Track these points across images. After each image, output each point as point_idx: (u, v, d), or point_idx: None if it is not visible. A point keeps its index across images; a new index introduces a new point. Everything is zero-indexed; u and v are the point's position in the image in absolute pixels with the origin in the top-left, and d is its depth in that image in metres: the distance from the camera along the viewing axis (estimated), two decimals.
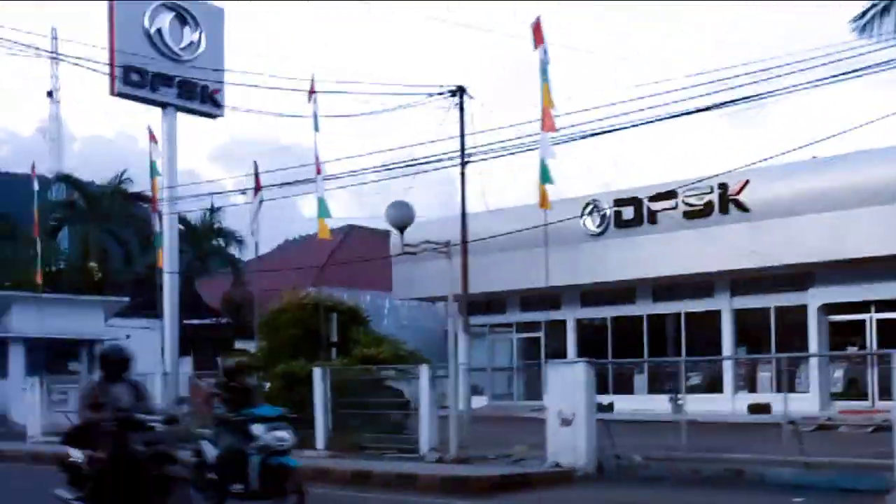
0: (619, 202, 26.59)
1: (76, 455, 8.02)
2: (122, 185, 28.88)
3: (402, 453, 14.58)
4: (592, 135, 14.89)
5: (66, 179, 27.62)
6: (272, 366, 16.37)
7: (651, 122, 15.91)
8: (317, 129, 16.51)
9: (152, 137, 19.82)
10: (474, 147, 16.01)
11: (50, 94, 70.42)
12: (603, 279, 27.65)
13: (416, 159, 16.35)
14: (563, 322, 30.34)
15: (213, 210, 29.90)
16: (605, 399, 26.28)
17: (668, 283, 27.28)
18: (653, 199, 25.78)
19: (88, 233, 27.61)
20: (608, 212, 26.82)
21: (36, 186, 22.24)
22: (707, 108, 13.70)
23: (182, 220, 31.59)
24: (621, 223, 26.77)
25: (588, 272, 27.70)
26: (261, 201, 18.23)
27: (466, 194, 16.40)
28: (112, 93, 22.16)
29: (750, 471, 12.05)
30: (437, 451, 14.11)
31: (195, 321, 32.09)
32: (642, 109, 15.00)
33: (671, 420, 14.72)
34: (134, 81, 22.17)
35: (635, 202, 26.32)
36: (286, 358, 16.35)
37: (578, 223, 27.02)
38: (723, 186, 24.39)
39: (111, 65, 22.04)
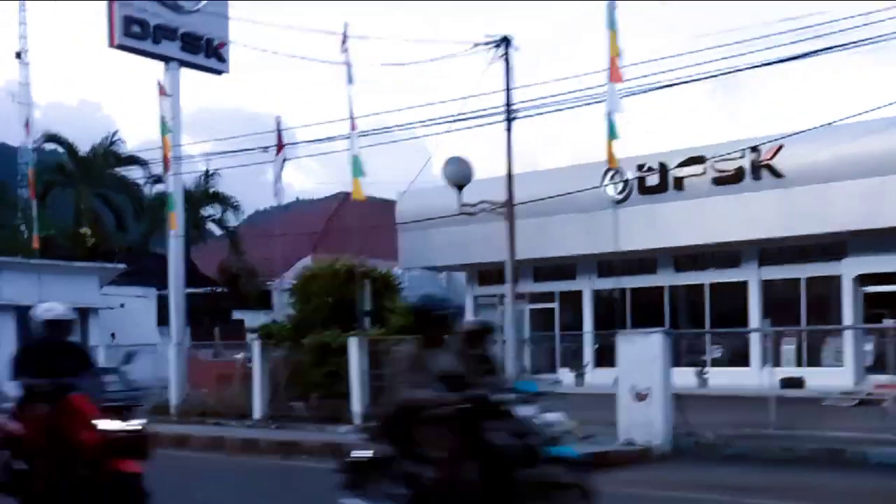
0: (643, 168, 25.44)
1: (367, 452, 5.79)
2: (113, 147, 27.23)
3: None
4: (659, 88, 13.66)
5: (55, 139, 25.91)
6: (302, 336, 15.08)
7: (714, 75, 14.79)
8: (350, 80, 15.15)
9: (162, 91, 18.28)
10: (520, 102, 14.68)
11: (18, 55, 67.73)
12: (623, 248, 26.57)
13: (458, 115, 14.96)
14: (579, 293, 29.26)
15: (209, 175, 28.37)
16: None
17: (692, 252, 26.25)
18: (680, 164, 24.72)
19: (80, 197, 25.99)
20: (631, 178, 25.67)
21: (31, 144, 20.68)
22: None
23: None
24: (645, 190, 25.63)
25: (607, 241, 26.61)
26: (284, 160, 16.82)
27: (507, 154, 15.01)
28: (111, 44, 20.56)
29: (851, 451, 11.02)
30: None
31: (191, 290, 30.66)
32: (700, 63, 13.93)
33: (754, 396, 13.63)
34: (135, 33, 20.58)
35: (661, 168, 25.18)
36: (317, 327, 15.07)
37: (598, 189, 25.90)
38: (755, 151, 23.34)
39: (110, 14, 20.48)
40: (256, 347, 15.64)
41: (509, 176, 14.97)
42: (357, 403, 14.25)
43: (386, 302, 15.54)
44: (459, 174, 13.38)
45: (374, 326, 15.04)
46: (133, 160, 27.71)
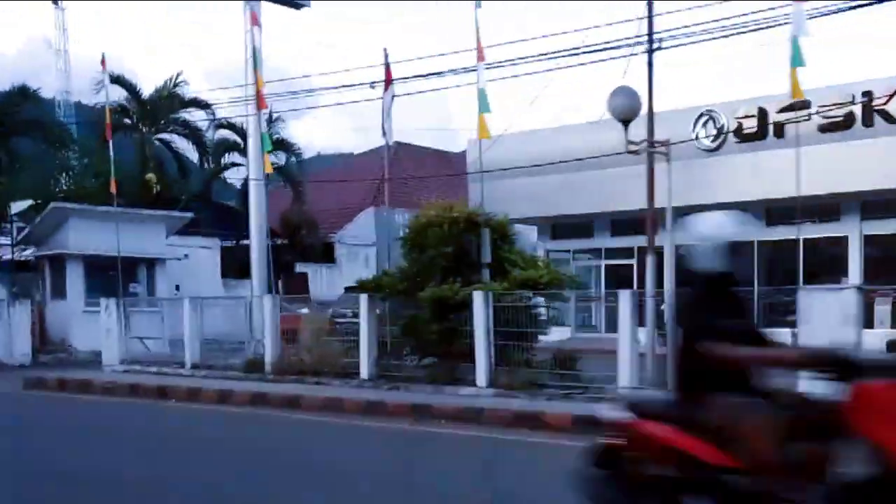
0: (740, 114, 23.87)
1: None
2: (177, 89, 25.93)
3: (593, 393, 12.19)
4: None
5: (118, 81, 24.65)
6: (415, 289, 13.85)
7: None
8: (479, 3, 13.71)
9: (254, 20, 16.90)
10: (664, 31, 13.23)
11: (56, 1, 66.57)
12: (712, 200, 25.04)
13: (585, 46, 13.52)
14: (659, 248, 27.84)
15: (272, 119, 27.02)
16: None
17: (786, 204, 24.72)
18: (782, 109, 23.11)
19: (143, 142, 24.78)
20: (726, 124, 24.12)
21: (107, 81, 19.42)
22: None
23: (234, 128, 28.79)
24: (742, 137, 24.08)
25: (696, 192, 25.10)
26: (392, 96, 15.48)
27: (649, 90, 13.59)
28: None
29: None
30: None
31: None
32: None
33: None
34: None
35: (760, 113, 23.59)
36: (430, 280, 13.83)
37: (688, 137, 24.38)
38: (867, 95, 21.72)
39: None
40: (364, 302, 14.46)
41: (651, 114, 13.55)
42: (482, 364, 13.07)
43: (503, 253, 14.25)
44: (626, 107, 12.02)
45: (495, 279, 13.78)
46: (196, 103, 26.44)
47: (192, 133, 26.85)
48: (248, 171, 18.98)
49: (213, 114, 26.38)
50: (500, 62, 14.94)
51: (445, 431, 10.49)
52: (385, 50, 15.34)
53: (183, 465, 8.73)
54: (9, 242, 23.78)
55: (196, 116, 26.62)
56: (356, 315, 19.42)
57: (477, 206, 14.54)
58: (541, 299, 13.75)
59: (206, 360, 17.38)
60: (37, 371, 19.07)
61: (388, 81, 15.46)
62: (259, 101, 16.71)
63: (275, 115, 27.28)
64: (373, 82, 15.56)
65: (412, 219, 14.30)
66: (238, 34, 19.73)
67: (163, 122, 26.37)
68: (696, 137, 24.57)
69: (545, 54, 14.49)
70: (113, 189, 19.04)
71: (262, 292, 19.37)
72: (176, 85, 25.87)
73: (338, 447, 9.91)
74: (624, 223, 28.11)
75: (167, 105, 25.74)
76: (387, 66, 15.44)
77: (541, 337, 14.56)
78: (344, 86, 20.65)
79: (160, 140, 26.81)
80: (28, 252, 24.76)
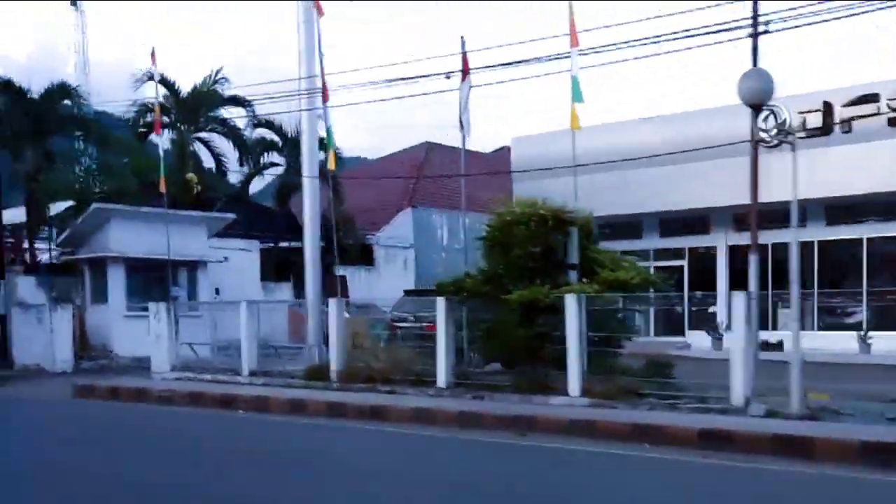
0: (803, 108, 22.93)
1: None
2: (216, 86, 25.11)
3: (700, 403, 11.33)
4: None
5: (161, 81, 23.85)
6: (499, 291, 12.99)
7: None
8: None
9: (319, 10, 16.04)
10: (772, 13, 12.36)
11: (74, 2, 66.07)
12: (769, 199, 24.17)
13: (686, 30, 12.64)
14: (712, 249, 26.99)
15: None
16: (769, 336, 23.41)
17: (848, 202, 23.84)
18: (849, 103, 22.23)
19: (183, 140, 23.98)
20: (789, 118, 23.19)
21: (157, 76, 18.63)
22: None
23: (272, 126, 28.01)
24: (805, 132, 23.11)
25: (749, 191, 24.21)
26: (469, 87, 14.64)
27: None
28: None
29: None
30: (762, 403, 10.82)
31: (290, 244, 28.76)
32: None
33: None
34: None
35: (825, 107, 22.66)
36: (516, 282, 12.97)
37: (747, 133, 23.46)
38: None
39: None
40: (442, 305, 13.60)
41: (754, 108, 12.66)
42: (574, 371, 12.20)
43: (591, 253, 13.39)
44: (758, 91, 11.16)
45: (583, 281, 12.91)
46: (235, 100, 25.64)
47: (231, 131, 26.06)
48: (304, 168, 18.18)
49: (254, 111, 25.61)
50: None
51: (566, 447, 9.60)
52: (462, 38, 14.49)
53: (282, 483, 7.82)
54: (47, 246, 23.08)
55: (232, 113, 25.84)
56: (418, 319, 18.74)
57: (563, 204, 13.62)
58: (632, 302, 12.90)
59: (261, 367, 16.59)
60: (79, 378, 18.32)
61: (466, 72, 14.61)
62: (324, 93, 15.87)
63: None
64: (448, 72, 14.67)
65: (493, 216, 13.41)
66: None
67: (202, 120, 25.58)
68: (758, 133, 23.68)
69: (634, 41, 13.47)
70: (162, 188, 18.25)
71: (315, 295, 18.61)
72: (216, 82, 25.08)
73: (467, 465, 8.83)
74: (676, 222, 27.29)
75: (206, 102, 24.95)
76: (464, 55, 14.59)
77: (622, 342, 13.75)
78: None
79: (199, 139, 26.02)
80: (57, 254, 24.02)
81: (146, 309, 20.80)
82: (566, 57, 13.67)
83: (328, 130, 16.43)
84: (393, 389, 13.91)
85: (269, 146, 27.84)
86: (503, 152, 45.26)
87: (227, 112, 25.93)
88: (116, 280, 21.56)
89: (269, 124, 27.13)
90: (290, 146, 27.66)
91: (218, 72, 25.06)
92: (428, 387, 13.74)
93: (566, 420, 10.66)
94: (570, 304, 12.24)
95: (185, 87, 24.93)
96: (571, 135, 15.16)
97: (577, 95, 13.41)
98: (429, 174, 36.34)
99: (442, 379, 13.65)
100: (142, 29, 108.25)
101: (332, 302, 15.34)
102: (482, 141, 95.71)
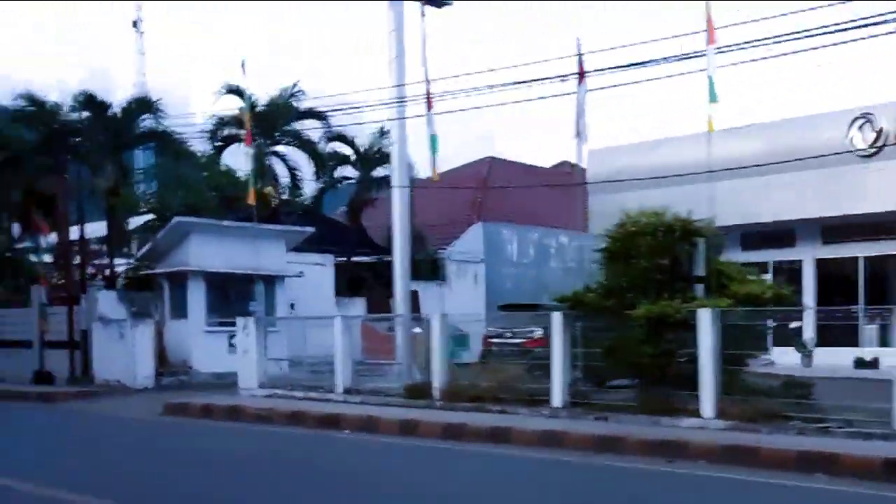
0: None
1: None
2: (293, 99, 24.80)
3: (852, 427, 10.50)
4: None
5: (235, 91, 23.63)
6: (622, 306, 12.29)
7: None
8: None
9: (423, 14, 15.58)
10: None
11: (135, 24, 66.93)
12: (863, 210, 23.22)
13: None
14: (798, 262, 26.01)
15: (384, 132, 25.78)
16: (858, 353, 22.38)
17: None
18: None
19: (260, 154, 23.68)
20: (886, 127, 22.25)
21: (247, 89, 18.30)
22: None
23: (345, 139, 27.65)
24: None
25: (846, 202, 23.29)
26: (586, 91, 14.05)
27: None
28: None
29: None
30: None
31: (362, 258, 28.32)
32: None
33: None
34: None
35: None
36: (640, 296, 12.27)
37: (841, 142, 22.60)
38: None
39: None
40: (557, 320, 12.93)
41: None
42: (708, 391, 11.46)
43: (717, 265, 12.65)
44: None
45: (710, 296, 12.17)
46: (312, 114, 25.31)
47: (305, 145, 25.74)
48: (393, 178, 17.73)
49: (329, 125, 25.24)
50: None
51: (727, 476, 8.88)
52: (578, 40, 13.91)
53: None
54: (125, 262, 22.88)
55: (306, 126, 25.48)
56: (515, 335, 18.11)
57: (687, 214, 12.89)
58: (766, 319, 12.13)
59: (355, 384, 16.04)
60: (161, 395, 17.94)
61: (581, 75, 14.01)
62: (428, 101, 15.37)
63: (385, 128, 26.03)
64: (563, 75, 14.04)
65: (615, 226, 12.74)
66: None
67: (277, 133, 25.29)
68: (851, 142, 22.77)
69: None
70: (251, 200, 17.88)
71: (406, 310, 18.08)
72: (292, 95, 24.80)
73: (645, 500, 8.25)
74: (759, 235, 26.37)
75: (283, 115, 24.66)
76: (579, 57, 14.00)
77: (749, 360, 12.99)
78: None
79: (274, 152, 25.75)
80: (130, 268, 23.79)
81: (224, 324, 20.53)
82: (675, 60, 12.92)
83: (433, 139, 15.91)
84: (504, 409, 13.27)
85: (342, 160, 27.49)
86: (564, 166, 44.68)
87: (301, 125, 25.57)
88: (196, 294, 21.22)
89: (341, 137, 26.77)
90: (363, 160, 27.28)
91: (295, 84, 24.80)
92: (541, 406, 13.07)
93: (717, 445, 9.91)
94: (704, 319, 11.51)
95: (261, 100, 24.63)
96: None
97: (712, 96, 12.72)
98: (493, 187, 35.78)
99: (557, 398, 12.97)
100: (199, 44, 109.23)
101: (433, 318, 14.76)
102: (534, 155, 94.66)
